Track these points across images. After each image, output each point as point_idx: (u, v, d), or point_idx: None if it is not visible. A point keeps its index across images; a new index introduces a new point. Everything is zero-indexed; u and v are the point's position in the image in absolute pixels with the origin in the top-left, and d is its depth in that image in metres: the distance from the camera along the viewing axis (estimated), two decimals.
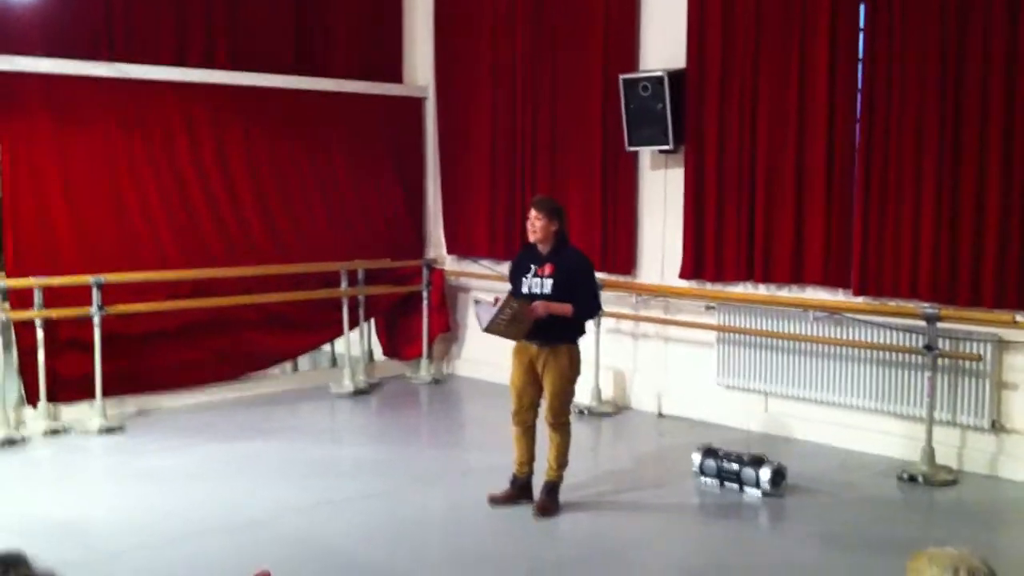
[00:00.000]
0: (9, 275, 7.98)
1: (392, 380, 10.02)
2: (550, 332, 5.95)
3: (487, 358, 9.22)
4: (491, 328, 5.90)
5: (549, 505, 6.10)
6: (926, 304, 6.91)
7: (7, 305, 7.87)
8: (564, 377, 6.03)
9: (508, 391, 6.24)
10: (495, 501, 6.17)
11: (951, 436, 7.00)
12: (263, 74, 9.22)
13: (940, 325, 6.82)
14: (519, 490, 6.21)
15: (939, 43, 6.87)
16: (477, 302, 6.15)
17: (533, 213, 6.01)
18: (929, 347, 6.82)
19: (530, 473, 6.23)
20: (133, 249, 8.51)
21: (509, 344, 6.16)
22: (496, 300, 5.95)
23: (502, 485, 6.27)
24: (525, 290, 5.98)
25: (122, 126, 8.49)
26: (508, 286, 6.25)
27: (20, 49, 7.96)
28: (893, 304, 7.20)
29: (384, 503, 6.35)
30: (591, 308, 6.15)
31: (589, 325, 8.53)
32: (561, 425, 6.13)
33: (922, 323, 6.86)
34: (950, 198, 6.90)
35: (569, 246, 6.14)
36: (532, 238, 6.05)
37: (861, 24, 7.32)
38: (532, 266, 6.00)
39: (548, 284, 5.92)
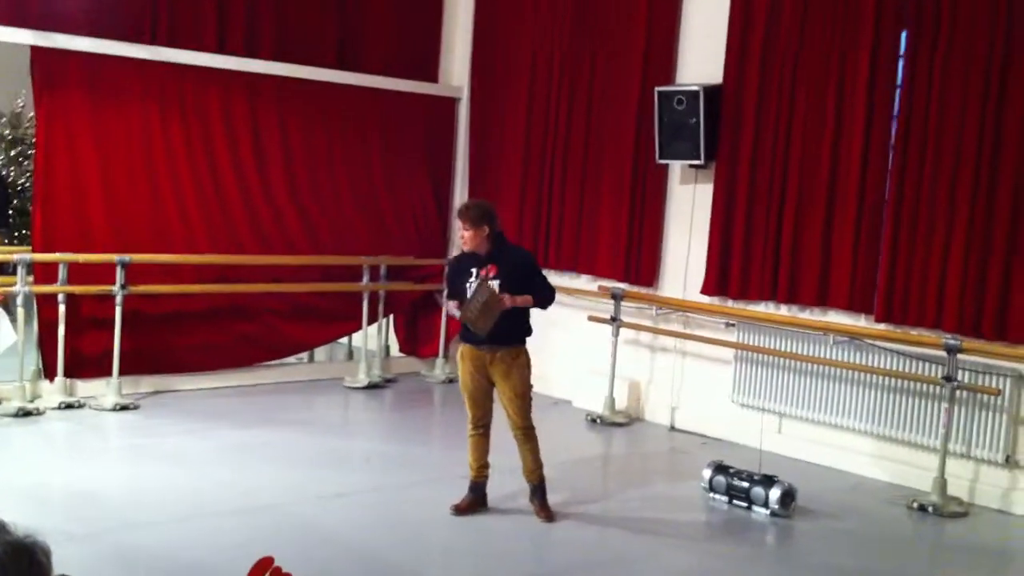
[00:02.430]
0: (36, 249, 8.05)
1: (407, 377, 10.03)
2: (502, 333, 5.83)
3: None
4: (466, 314, 5.70)
5: (548, 506, 6.07)
6: (948, 335, 6.87)
7: (31, 279, 7.93)
8: (524, 378, 5.96)
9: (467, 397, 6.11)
10: (460, 510, 6.04)
11: (964, 469, 6.95)
12: (303, 66, 9.27)
13: (961, 357, 6.78)
14: (481, 496, 6.15)
15: (981, 71, 6.84)
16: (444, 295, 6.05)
17: (459, 225, 5.97)
18: (948, 378, 6.78)
19: (487, 476, 6.16)
20: (163, 231, 8.55)
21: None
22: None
23: (508, 486, 6.26)
24: (469, 295, 5.81)
25: (160, 109, 8.53)
26: None
27: (64, 27, 8.02)
28: (915, 333, 7.16)
29: (391, 497, 6.37)
30: (550, 294, 6.01)
31: (606, 336, 8.63)
32: (529, 430, 6.03)
33: (942, 353, 6.82)
34: (982, 228, 6.86)
35: (508, 244, 6.11)
36: (465, 248, 5.99)
37: (902, 50, 7.30)
38: (474, 270, 5.87)
39: (495, 285, 5.79)
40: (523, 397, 5.97)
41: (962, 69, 6.94)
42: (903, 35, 7.28)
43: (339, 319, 9.73)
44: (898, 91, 7.32)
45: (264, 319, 9.21)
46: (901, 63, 7.30)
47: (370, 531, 5.78)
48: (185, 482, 6.34)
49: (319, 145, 9.49)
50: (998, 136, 6.79)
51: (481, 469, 6.15)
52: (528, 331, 6.04)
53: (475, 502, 6.12)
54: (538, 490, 6.11)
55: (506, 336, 5.88)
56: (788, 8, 7.85)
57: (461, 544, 5.77)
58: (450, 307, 6.03)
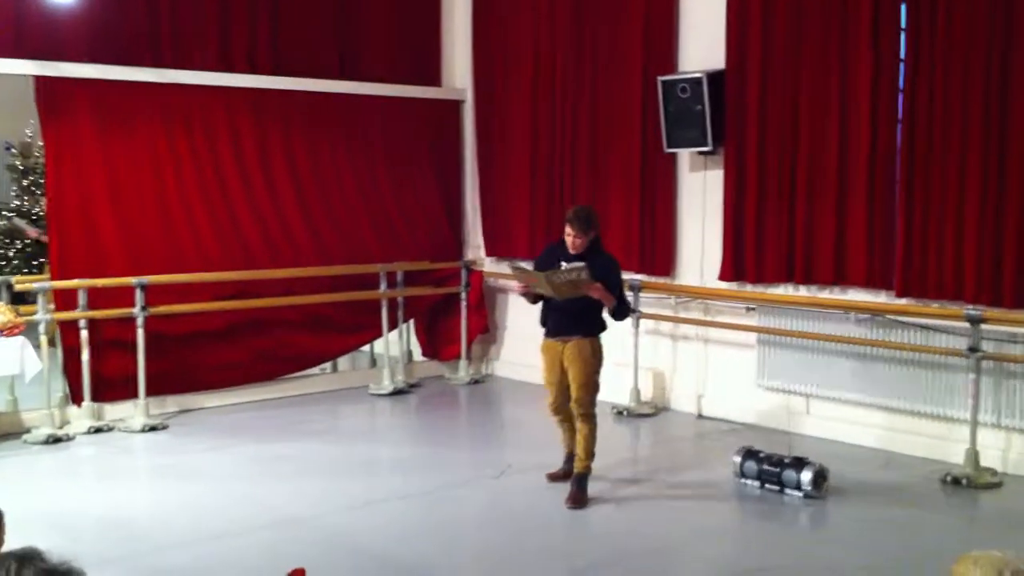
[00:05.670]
0: (54, 277, 8.10)
1: (431, 381, 10.05)
2: (576, 324, 6.19)
3: (525, 359, 9.20)
4: (552, 278, 5.96)
5: (580, 496, 6.21)
6: (970, 306, 6.82)
7: (52, 306, 7.98)
8: (589, 366, 6.22)
9: (545, 391, 6.44)
10: (554, 478, 6.49)
11: (995, 438, 6.90)
12: (305, 78, 9.30)
13: (984, 327, 6.73)
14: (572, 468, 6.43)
15: (984, 40, 6.78)
16: (517, 268, 6.54)
17: (568, 230, 6.16)
18: (973, 349, 6.73)
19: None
20: (177, 251, 8.60)
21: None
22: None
23: (539, 485, 6.32)
24: (566, 267, 6.09)
25: (166, 130, 8.58)
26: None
27: (66, 54, 8.07)
28: (936, 306, 7.11)
29: (421, 503, 6.37)
30: (627, 308, 6.40)
31: (625, 325, 8.60)
32: (588, 416, 6.28)
33: (966, 325, 6.77)
34: (995, 198, 6.81)
35: (602, 250, 6.30)
36: (573, 251, 6.18)
37: (902, 23, 7.25)
38: (563, 263, 6.13)
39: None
40: (584, 385, 6.21)
41: (964, 37, 6.88)
42: (903, 8, 7.23)
43: (358, 328, 9.74)
44: (902, 64, 7.27)
45: (285, 333, 9.23)
46: (903, 36, 7.25)
47: (401, 537, 5.78)
48: (216, 499, 6.37)
49: (325, 155, 9.51)
50: (1004, 102, 6.73)
51: (571, 444, 6.47)
52: (602, 325, 6.29)
53: (568, 472, 6.41)
54: (576, 478, 6.27)
55: (578, 326, 6.22)
56: None
57: (494, 545, 5.76)
58: (516, 278, 6.42)
